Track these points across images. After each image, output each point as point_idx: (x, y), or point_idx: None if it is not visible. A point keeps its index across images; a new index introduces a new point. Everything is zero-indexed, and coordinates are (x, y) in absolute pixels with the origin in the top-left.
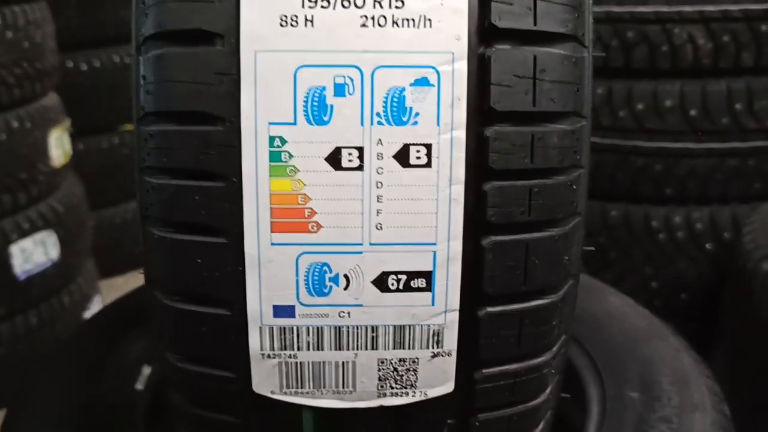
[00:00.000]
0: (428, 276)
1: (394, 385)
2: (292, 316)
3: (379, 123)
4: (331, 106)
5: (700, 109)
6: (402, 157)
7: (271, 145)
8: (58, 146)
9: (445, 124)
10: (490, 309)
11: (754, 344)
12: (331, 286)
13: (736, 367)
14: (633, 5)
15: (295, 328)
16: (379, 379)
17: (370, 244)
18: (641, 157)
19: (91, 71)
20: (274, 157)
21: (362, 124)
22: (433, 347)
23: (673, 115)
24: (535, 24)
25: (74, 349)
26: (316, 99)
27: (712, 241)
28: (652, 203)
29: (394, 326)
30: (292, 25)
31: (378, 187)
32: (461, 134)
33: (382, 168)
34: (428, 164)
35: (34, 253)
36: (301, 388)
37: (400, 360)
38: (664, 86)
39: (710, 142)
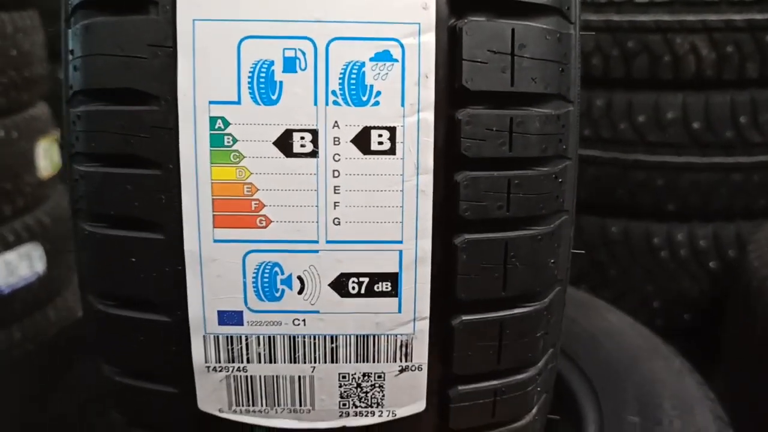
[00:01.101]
0: (394, 279)
1: (357, 403)
2: (240, 323)
3: (335, 103)
4: (280, 83)
5: (703, 121)
6: (362, 142)
7: (212, 127)
8: (47, 157)
9: (410, 104)
10: (465, 317)
11: (759, 367)
12: (283, 290)
13: (740, 391)
14: (633, 14)
15: (243, 338)
16: (341, 397)
17: (327, 241)
18: (642, 171)
19: None
20: (216, 140)
21: (316, 103)
22: (400, 360)
23: (675, 127)
24: None
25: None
26: (263, 75)
27: (715, 259)
28: (653, 219)
29: (356, 336)
30: None
31: (335, 177)
32: (429, 116)
33: (339, 154)
34: (392, 150)
35: (19, 266)
36: (253, 405)
37: (363, 375)
38: (665, 98)
39: (714, 156)
